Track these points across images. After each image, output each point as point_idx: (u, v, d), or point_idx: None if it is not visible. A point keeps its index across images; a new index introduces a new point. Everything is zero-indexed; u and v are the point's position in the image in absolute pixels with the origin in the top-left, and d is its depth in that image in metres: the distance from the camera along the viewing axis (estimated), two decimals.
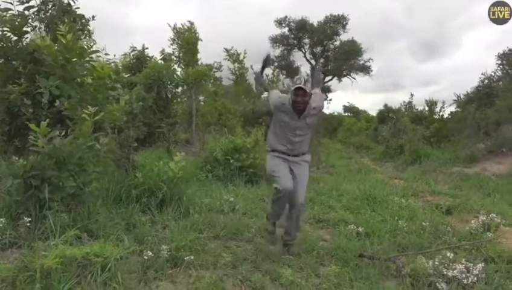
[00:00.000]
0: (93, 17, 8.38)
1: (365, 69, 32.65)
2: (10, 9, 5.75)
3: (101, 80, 4.77)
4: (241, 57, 12.90)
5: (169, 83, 11.93)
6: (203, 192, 5.88)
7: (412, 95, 22.15)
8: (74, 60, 4.59)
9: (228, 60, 13.16)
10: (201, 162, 7.82)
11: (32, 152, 3.83)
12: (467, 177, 9.82)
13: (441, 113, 20.20)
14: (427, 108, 21.08)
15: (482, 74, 13.61)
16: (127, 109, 4.65)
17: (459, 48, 55.00)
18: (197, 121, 14.27)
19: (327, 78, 33.80)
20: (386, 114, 23.82)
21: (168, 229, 3.92)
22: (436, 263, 3.49)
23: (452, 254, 3.61)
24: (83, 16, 8.15)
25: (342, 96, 79.23)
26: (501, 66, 13.15)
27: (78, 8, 7.68)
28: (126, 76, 12.60)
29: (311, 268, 3.49)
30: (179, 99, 13.38)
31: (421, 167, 11.44)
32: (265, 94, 12.81)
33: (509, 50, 13.10)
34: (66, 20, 7.72)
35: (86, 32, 8.35)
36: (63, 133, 3.94)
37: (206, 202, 5.27)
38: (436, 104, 20.64)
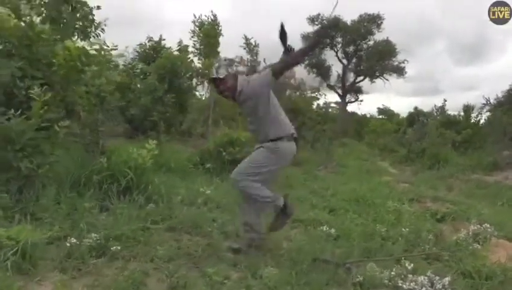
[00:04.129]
0: (98, 7, 8.37)
1: (399, 71, 31.62)
2: None
3: (71, 62, 4.64)
4: (255, 50, 12.65)
5: (183, 74, 11.81)
6: (182, 183, 5.67)
7: (445, 100, 21.09)
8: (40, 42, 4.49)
9: (244, 48, 12.92)
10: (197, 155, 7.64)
11: None
12: (485, 185, 9.14)
13: (477, 119, 19.24)
14: (462, 113, 20.13)
15: None
16: (95, 91, 4.49)
17: (503, 51, 52.14)
18: (215, 114, 14.12)
19: (359, 79, 32.99)
20: (416, 117, 22.94)
21: (112, 217, 3.72)
22: (393, 273, 3.12)
23: (412, 264, 3.21)
24: (85, 3, 8.15)
25: (377, 98, 77.13)
26: None
27: None
28: (140, 65, 12.64)
29: (254, 269, 3.19)
30: (195, 92, 13.30)
31: (439, 172, 10.78)
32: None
33: None
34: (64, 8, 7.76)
35: (90, 20, 8.35)
36: None
37: (179, 193, 5.05)
38: (473, 110, 19.66)
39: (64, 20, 7.63)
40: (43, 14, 6.84)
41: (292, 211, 3.64)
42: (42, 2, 7.34)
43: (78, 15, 8.03)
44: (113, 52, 5.36)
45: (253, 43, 12.89)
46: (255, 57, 12.88)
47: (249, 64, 12.76)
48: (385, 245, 4.03)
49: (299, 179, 7.83)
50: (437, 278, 3.13)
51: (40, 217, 3.47)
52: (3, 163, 3.77)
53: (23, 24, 4.56)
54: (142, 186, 4.58)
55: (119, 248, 3.09)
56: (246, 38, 13.03)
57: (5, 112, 3.88)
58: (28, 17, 4.56)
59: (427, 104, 58.93)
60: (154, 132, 7.88)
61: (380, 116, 36.32)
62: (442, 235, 4.62)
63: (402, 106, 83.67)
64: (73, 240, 3.01)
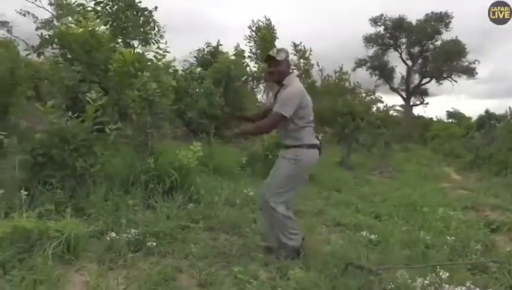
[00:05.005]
0: (155, 7, 8.76)
1: (469, 72, 29.88)
2: (83, 4, 6.30)
3: (125, 68, 4.95)
4: (307, 54, 12.64)
5: (238, 78, 12.06)
6: (227, 184, 5.80)
7: None
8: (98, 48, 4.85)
9: (295, 54, 12.98)
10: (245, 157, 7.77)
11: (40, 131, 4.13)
12: None
13: None
14: None
15: None
16: (143, 95, 4.74)
17: None
18: None
19: (424, 80, 31.59)
20: (487, 120, 21.52)
21: (153, 215, 3.92)
22: (427, 281, 2.99)
23: (447, 273, 3.05)
24: (146, 8, 8.59)
25: (446, 100, 72.86)
26: None
27: (140, 1, 8.14)
28: (198, 70, 13.10)
29: (285, 269, 3.20)
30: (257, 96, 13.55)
31: (506, 179, 10.05)
32: None
33: None
34: (129, 13, 8.23)
35: (151, 24, 8.76)
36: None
37: (221, 193, 5.19)
38: None
39: (129, 28, 8.12)
40: (109, 23, 7.33)
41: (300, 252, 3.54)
42: (109, 11, 7.86)
43: (140, 21, 8.50)
44: (177, 57, 5.66)
45: (303, 48, 12.91)
46: (307, 60, 12.88)
47: (303, 68, 12.78)
48: (427, 253, 3.86)
49: (349, 184, 7.70)
50: (477, 289, 2.97)
51: (89, 213, 3.74)
52: (60, 161, 4.10)
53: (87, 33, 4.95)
54: (185, 186, 4.77)
55: (154, 244, 3.25)
56: (295, 45, 13.10)
57: (63, 114, 4.26)
58: (92, 25, 4.92)
59: (504, 106, 54.82)
60: (204, 134, 8.14)
61: (450, 120, 34.53)
62: (495, 245, 4.33)
63: (476, 109, 78.47)
64: (113, 235, 3.22)
